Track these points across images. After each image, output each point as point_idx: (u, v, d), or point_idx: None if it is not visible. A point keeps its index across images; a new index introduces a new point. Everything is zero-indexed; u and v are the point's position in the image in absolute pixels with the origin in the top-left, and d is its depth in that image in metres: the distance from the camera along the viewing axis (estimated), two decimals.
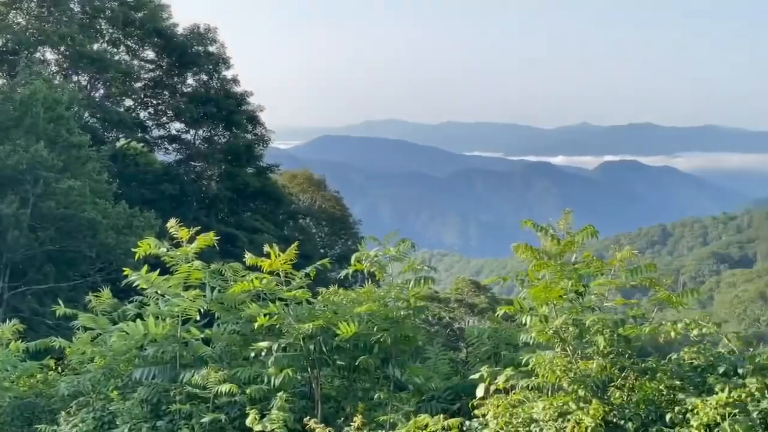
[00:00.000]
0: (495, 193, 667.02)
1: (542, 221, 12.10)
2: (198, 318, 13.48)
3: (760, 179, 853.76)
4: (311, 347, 12.20)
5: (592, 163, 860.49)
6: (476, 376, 11.59)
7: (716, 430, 9.10)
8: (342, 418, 12.03)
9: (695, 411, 9.40)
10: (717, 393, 9.60)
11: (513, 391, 10.97)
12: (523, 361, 11.30)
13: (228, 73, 67.44)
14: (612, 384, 10.59)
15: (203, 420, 11.75)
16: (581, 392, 10.28)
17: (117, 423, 12.37)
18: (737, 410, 9.28)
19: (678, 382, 10.31)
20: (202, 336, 13.44)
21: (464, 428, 10.47)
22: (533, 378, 10.85)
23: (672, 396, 10.18)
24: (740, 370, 10.23)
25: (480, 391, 11.24)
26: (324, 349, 12.18)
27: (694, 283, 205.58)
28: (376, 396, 12.42)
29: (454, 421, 10.00)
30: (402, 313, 12.46)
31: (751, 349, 10.82)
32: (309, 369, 12.53)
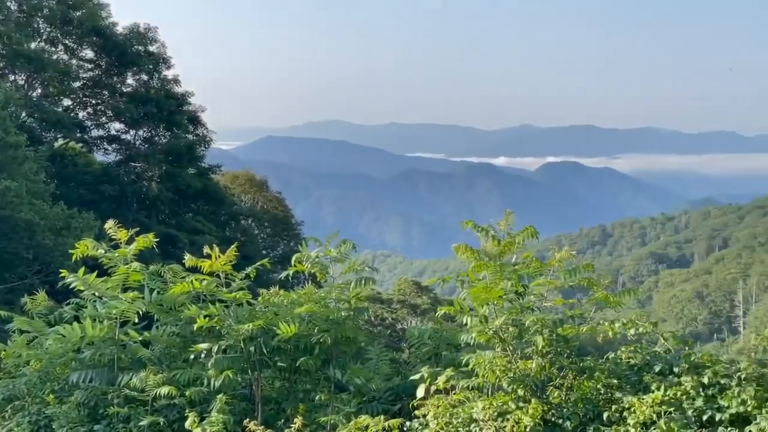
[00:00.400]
0: (437, 194, 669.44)
1: (484, 222, 12.16)
2: (136, 320, 13.31)
3: (696, 180, 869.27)
4: (251, 349, 12.12)
5: (534, 164, 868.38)
6: (417, 376, 11.62)
7: (652, 427, 9.22)
8: (282, 420, 11.99)
9: (632, 409, 9.53)
10: (653, 391, 9.74)
11: (453, 392, 11.02)
12: (464, 362, 11.36)
13: (169, 73, 66.64)
14: (551, 383, 10.68)
15: (141, 423, 11.62)
16: (520, 392, 10.37)
17: (53, 427, 12.18)
18: (673, 408, 9.42)
19: (615, 381, 10.44)
20: (140, 338, 13.26)
21: (405, 429, 10.49)
22: (473, 378, 10.92)
23: (609, 395, 10.30)
24: (676, 369, 10.39)
25: (420, 392, 11.27)
26: (264, 351, 12.10)
27: (633, 282, 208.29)
28: (317, 397, 12.39)
29: (394, 422, 10.00)
30: (343, 313, 12.44)
31: (687, 348, 10.98)
32: (249, 371, 12.45)
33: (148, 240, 13.32)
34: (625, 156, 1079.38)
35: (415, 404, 10.99)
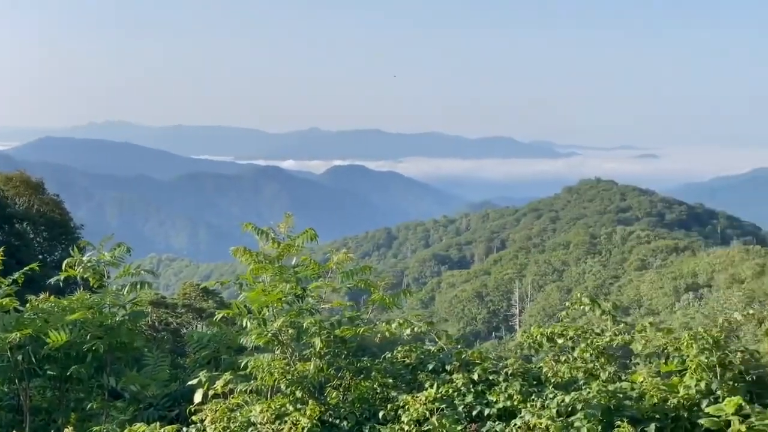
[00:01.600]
0: (225, 197, 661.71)
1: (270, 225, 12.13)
2: None
3: (477, 184, 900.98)
4: (19, 357, 11.58)
5: (322, 167, 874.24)
6: (194, 381, 11.45)
7: (425, 424, 9.46)
8: (53, 431, 11.54)
9: (406, 407, 9.74)
10: (427, 389, 9.99)
11: (232, 395, 10.93)
12: (242, 365, 11.29)
13: None
14: (329, 384, 10.77)
15: None
16: (299, 394, 10.39)
17: None
18: (444, 405, 9.70)
19: (391, 380, 10.65)
20: None
21: None
22: (252, 381, 10.86)
23: (385, 394, 10.50)
24: (448, 367, 10.70)
25: (198, 397, 11.10)
26: (33, 360, 11.59)
27: (417, 284, 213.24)
28: (89, 406, 12.01)
29: (170, 428, 9.82)
30: (118, 319, 12.09)
31: (459, 347, 11.34)
32: (17, 381, 11.90)
33: None
34: (410, 160, 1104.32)
35: (192, 409, 10.82)
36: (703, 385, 9.08)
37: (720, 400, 8.77)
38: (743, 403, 8.28)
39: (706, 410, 8.68)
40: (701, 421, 8.65)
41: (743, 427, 8.03)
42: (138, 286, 12.13)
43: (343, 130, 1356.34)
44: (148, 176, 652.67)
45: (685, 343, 9.55)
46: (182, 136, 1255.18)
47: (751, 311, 10.94)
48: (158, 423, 10.07)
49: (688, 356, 9.43)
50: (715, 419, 8.41)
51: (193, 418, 10.56)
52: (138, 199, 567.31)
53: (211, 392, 11.04)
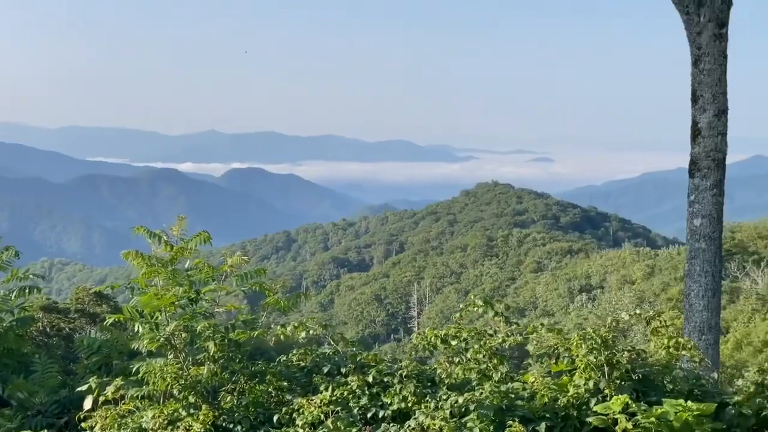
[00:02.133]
0: (120, 200, 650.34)
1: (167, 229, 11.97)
2: None
3: (376, 187, 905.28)
4: None
5: (220, 170, 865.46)
6: (84, 387, 11.21)
7: (320, 427, 9.44)
8: None
9: (301, 410, 9.71)
10: (321, 392, 9.98)
11: (123, 402, 10.73)
12: (134, 370, 11.10)
13: None
14: (223, 389, 10.67)
15: None
16: (192, 398, 10.27)
17: None
18: (339, 407, 9.70)
19: (286, 384, 10.61)
20: None
21: None
22: (144, 387, 10.68)
23: (280, 397, 10.45)
24: (343, 369, 10.71)
25: (87, 404, 10.88)
26: None
27: (317, 287, 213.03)
28: None
29: None
30: (5, 325, 11.77)
31: (355, 349, 11.35)
32: None
33: None
34: (308, 163, 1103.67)
35: (81, 416, 10.59)
36: (591, 384, 9.27)
37: (608, 398, 8.97)
38: (630, 402, 8.48)
39: (594, 408, 8.87)
40: (589, 419, 8.83)
41: (629, 425, 8.22)
42: (27, 291, 11.83)
43: (240, 132, 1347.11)
44: (41, 179, 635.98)
45: (574, 343, 9.73)
46: (77, 137, 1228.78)
47: (639, 311, 11.21)
48: (46, 431, 9.83)
49: (577, 356, 9.61)
50: (603, 417, 8.59)
51: (83, 425, 10.34)
52: (29, 202, 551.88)
53: (101, 398, 10.83)
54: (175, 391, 10.39)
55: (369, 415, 9.79)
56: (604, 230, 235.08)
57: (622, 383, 9.34)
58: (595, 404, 9.04)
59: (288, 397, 10.37)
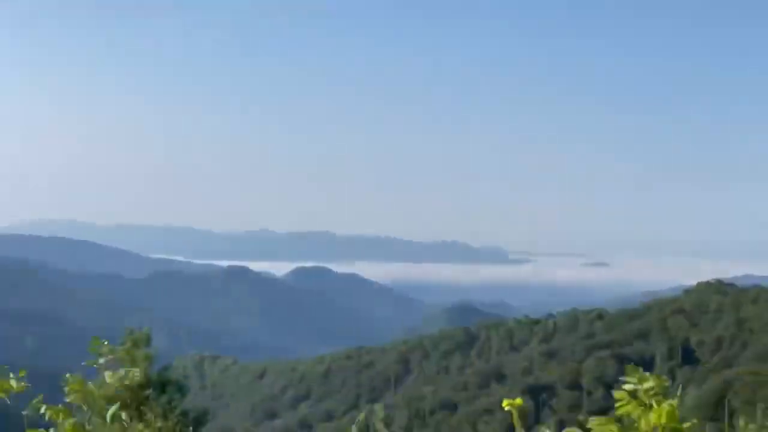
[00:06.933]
0: (196, 297, 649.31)
1: None
2: None
3: (432, 287, 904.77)
4: None
5: (283, 268, 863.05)
6: None
7: None
8: None
9: None
10: None
11: None
12: None
13: None
14: None
15: None
16: None
17: None
18: None
19: None
20: None
21: None
22: None
23: None
24: None
25: None
26: None
27: None
28: None
29: None
30: None
31: None
32: None
33: None
34: (361, 263, 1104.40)
35: None
36: None
37: None
38: None
39: None
40: None
41: None
42: None
43: (294, 231, 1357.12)
44: (118, 275, 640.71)
45: None
46: (132, 234, 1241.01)
47: None
48: None
49: None
50: None
51: None
52: (110, 298, 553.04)
53: None
54: None
55: None
56: None
57: None
58: None
59: None
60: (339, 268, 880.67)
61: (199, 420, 18.68)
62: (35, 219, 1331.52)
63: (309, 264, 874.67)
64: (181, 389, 15.68)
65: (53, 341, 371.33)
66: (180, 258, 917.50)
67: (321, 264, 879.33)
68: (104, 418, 9.87)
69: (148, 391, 12.39)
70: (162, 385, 15.35)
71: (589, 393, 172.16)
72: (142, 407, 11.86)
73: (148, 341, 13.79)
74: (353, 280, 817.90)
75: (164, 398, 14.89)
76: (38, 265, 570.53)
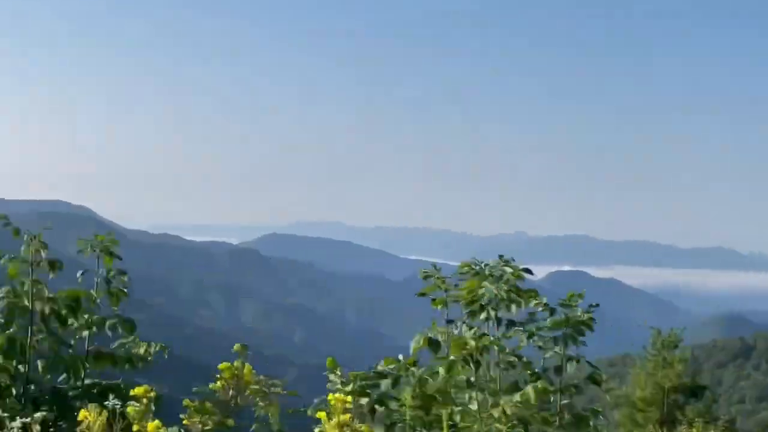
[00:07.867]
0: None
1: None
2: None
3: (693, 294, 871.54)
4: None
5: (540, 271, 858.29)
6: None
7: None
8: None
9: None
10: None
11: None
12: None
13: None
14: None
15: None
16: None
17: None
18: None
19: None
20: None
21: None
22: None
23: None
24: None
25: None
26: None
27: None
28: None
29: None
30: None
31: None
32: None
33: None
34: (619, 267, 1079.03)
35: None
36: None
37: None
38: None
39: None
40: None
41: None
42: None
43: (551, 235, 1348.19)
44: (381, 276, 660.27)
45: None
46: (386, 235, 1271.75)
47: None
48: None
49: None
50: None
51: None
52: (374, 298, 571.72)
53: None
54: None
55: None
56: None
57: None
58: None
59: None
60: (597, 272, 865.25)
61: None
62: (309, 221, 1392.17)
63: (566, 268, 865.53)
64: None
65: (320, 337, 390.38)
66: (438, 260, 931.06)
67: (579, 268, 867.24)
68: None
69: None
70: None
71: None
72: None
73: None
74: (612, 284, 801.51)
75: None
76: (306, 264, 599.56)
